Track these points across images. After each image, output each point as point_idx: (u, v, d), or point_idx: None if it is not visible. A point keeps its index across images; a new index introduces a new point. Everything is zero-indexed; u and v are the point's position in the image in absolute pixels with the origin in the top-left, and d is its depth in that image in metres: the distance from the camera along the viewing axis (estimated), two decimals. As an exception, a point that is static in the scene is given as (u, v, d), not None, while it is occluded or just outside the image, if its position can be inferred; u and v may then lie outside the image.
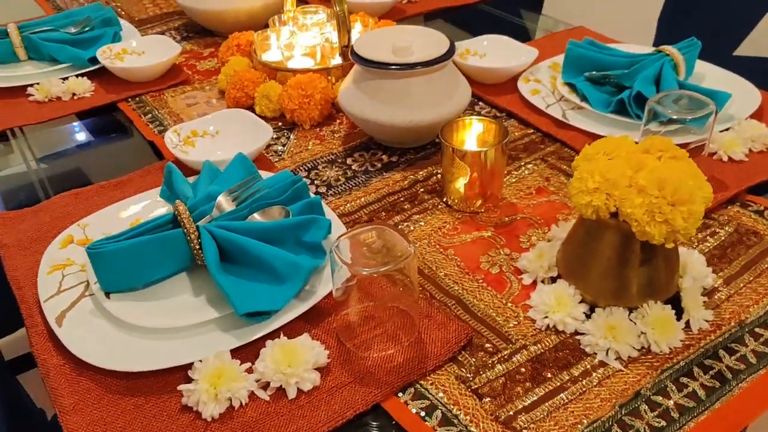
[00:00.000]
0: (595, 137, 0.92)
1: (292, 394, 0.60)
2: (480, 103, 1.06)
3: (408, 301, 0.67)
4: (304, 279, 0.67)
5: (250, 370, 0.61)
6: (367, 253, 0.65)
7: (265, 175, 0.82)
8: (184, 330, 0.65)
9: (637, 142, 0.74)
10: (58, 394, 0.61)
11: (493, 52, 1.15)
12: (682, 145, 0.81)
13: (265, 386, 0.60)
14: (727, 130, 0.93)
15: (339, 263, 0.60)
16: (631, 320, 0.64)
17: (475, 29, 1.23)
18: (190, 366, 0.61)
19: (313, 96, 0.99)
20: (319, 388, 0.60)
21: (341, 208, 0.83)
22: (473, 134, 0.83)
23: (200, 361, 0.61)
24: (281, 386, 0.60)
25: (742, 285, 0.70)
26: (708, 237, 0.77)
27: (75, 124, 1.07)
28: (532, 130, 0.98)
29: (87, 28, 1.23)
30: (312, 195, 0.78)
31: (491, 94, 1.06)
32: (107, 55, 1.16)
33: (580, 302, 0.67)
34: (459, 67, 1.09)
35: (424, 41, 0.91)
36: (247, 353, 0.63)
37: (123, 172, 0.91)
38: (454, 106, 0.90)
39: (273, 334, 0.64)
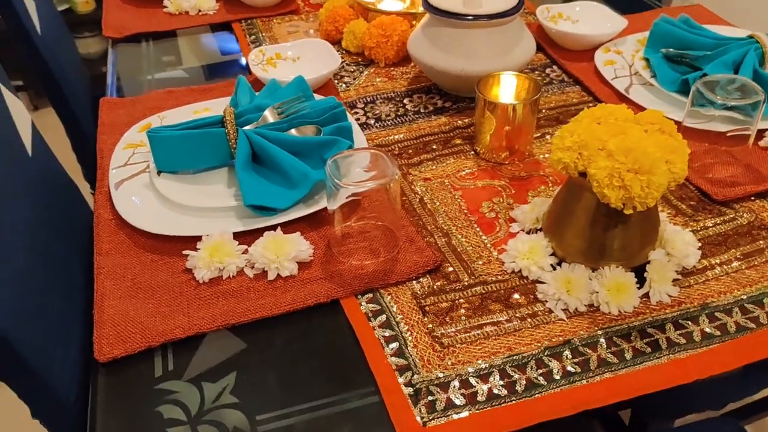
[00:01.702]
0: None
1: (271, 276, 0.70)
2: (553, 66, 1.08)
3: (397, 224, 0.75)
4: (310, 187, 0.76)
5: (245, 252, 0.72)
6: (367, 174, 0.73)
7: (318, 98, 0.92)
8: (206, 210, 0.77)
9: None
10: (100, 240, 0.76)
11: (585, 18, 1.15)
12: (724, 132, 0.81)
13: (252, 266, 0.71)
14: (792, 126, 0.89)
15: (331, 178, 0.69)
16: (590, 279, 0.67)
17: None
18: (200, 238, 0.73)
19: (391, 37, 1.06)
20: (295, 277, 0.70)
21: (379, 139, 0.91)
22: (510, 89, 0.87)
23: (207, 235, 0.73)
24: (265, 269, 0.71)
25: (724, 273, 0.70)
26: (718, 223, 0.76)
27: (193, 37, 1.23)
28: (591, 99, 0.99)
29: (226, -46, 1.38)
30: (350, 121, 0.87)
31: (567, 59, 1.08)
32: (234, -20, 1.30)
33: (551, 255, 0.71)
34: (546, 31, 1.11)
35: (494, -4, 0.95)
36: (250, 239, 0.74)
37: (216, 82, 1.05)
38: (509, 62, 0.93)
39: (273, 228, 0.74)
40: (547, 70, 1.07)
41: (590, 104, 0.98)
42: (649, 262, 0.68)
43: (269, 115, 0.85)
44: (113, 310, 0.67)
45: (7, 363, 0.74)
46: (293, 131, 0.84)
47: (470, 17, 0.91)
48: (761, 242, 0.73)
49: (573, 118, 0.68)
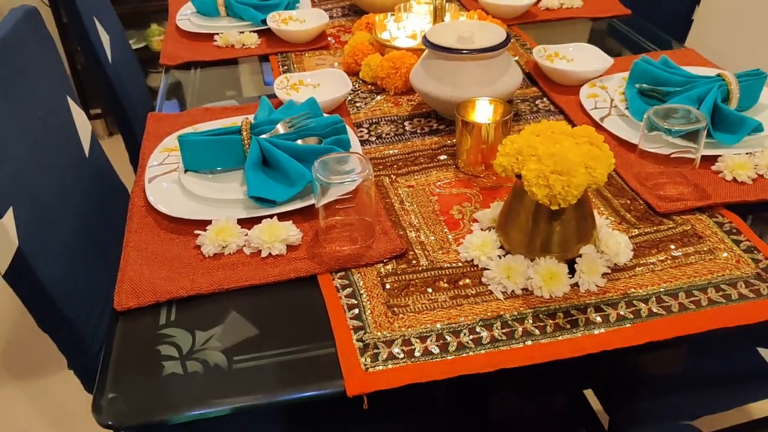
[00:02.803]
0: (621, 142, 1.04)
1: (264, 254, 0.84)
2: (544, 98, 1.20)
3: (376, 218, 0.88)
4: (305, 185, 0.91)
5: (246, 234, 0.87)
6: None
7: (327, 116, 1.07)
8: (218, 201, 0.92)
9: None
10: (132, 221, 0.92)
11: (579, 57, 1.27)
12: (668, 154, 0.91)
13: (250, 245, 0.86)
14: (749, 154, 0.98)
15: (315, 175, 0.83)
16: (528, 267, 0.79)
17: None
18: (210, 222, 0.88)
19: (399, 69, 1.21)
20: (284, 256, 0.84)
21: (376, 153, 1.06)
22: (486, 112, 1.00)
23: (216, 219, 0.88)
24: (259, 248, 0.85)
25: (650, 270, 0.80)
26: (656, 231, 0.86)
27: (235, 66, 1.41)
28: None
29: (272, -4, 1.58)
30: (350, 135, 1.02)
31: (556, 92, 1.20)
32: (275, 19, 1.48)
33: (499, 248, 0.82)
34: (541, 67, 1.24)
35: (487, 35, 1.09)
36: (251, 224, 0.88)
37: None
38: (493, 91, 1.06)
39: (271, 216, 0.89)
40: (537, 101, 1.19)
41: (569, 131, 1.10)
42: (580, 256, 0.79)
43: (280, 127, 1.01)
44: (133, 273, 0.82)
45: (53, 319, 0.90)
46: (299, 141, 0.99)
47: (459, 51, 1.05)
48: (690, 248, 0.83)
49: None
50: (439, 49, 1.06)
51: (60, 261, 0.92)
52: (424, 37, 1.10)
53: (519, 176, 0.77)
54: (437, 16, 1.23)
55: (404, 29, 1.32)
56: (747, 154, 0.97)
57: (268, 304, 0.79)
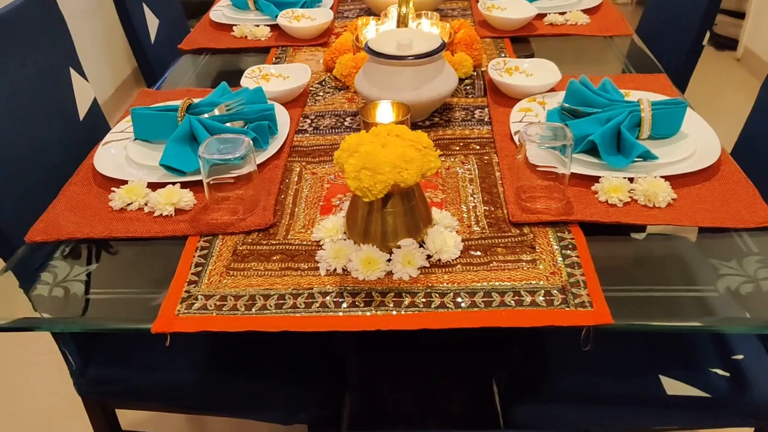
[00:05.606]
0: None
1: (156, 213, 0.99)
2: (485, 108, 1.26)
3: (263, 195, 1.01)
4: (211, 160, 1.05)
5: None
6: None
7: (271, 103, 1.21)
8: (143, 166, 1.09)
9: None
10: (76, 174, 1.10)
11: (538, 72, 1.32)
12: (548, 167, 0.96)
13: (148, 205, 1.01)
14: (631, 180, 1.00)
15: (200, 155, 0.96)
16: (354, 251, 0.88)
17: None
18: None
19: (359, 68, 1.32)
20: (172, 217, 0.99)
21: (304, 141, 1.18)
22: (388, 113, 1.08)
23: (132, 180, 1.04)
24: (153, 208, 1.00)
25: (466, 270, 0.86)
26: (496, 237, 0.92)
27: (240, 55, 1.58)
28: (490, 136, 1.17)
29: (295, -5, 1.73)
30: (282, 123, 1.16)
31: (498, 103, 1.26)
32: (287, 16, 1.63)
33: (344, 233, 0.92)
34: (495, 82, 1.30)
35: (425, 43, 1.17)
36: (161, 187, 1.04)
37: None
38: (419, 95, 1.14)
39: (174, 184, 1.04)
40: (476, 111, 1.26)
41: (486, 140, 1.16)
42: (399, 247, 0.87)
43: (217, 110, 1.15)
44: (52, 215, 1.00)
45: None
46: (228, 123, 1.13)
47: (385, 56, 1.14)
48: (516, 255, 0.88)
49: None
50: (376, 54, 1.16)
51: (17, 201, 1.12)
52: (366, 43, 1.20)
53: (347, 169, 0.86)
54: (400, 22, 1.32)
55: (379, 33, 1.42)
56: (627, 178, 0.99)
57: (144, 254, 0.94)
